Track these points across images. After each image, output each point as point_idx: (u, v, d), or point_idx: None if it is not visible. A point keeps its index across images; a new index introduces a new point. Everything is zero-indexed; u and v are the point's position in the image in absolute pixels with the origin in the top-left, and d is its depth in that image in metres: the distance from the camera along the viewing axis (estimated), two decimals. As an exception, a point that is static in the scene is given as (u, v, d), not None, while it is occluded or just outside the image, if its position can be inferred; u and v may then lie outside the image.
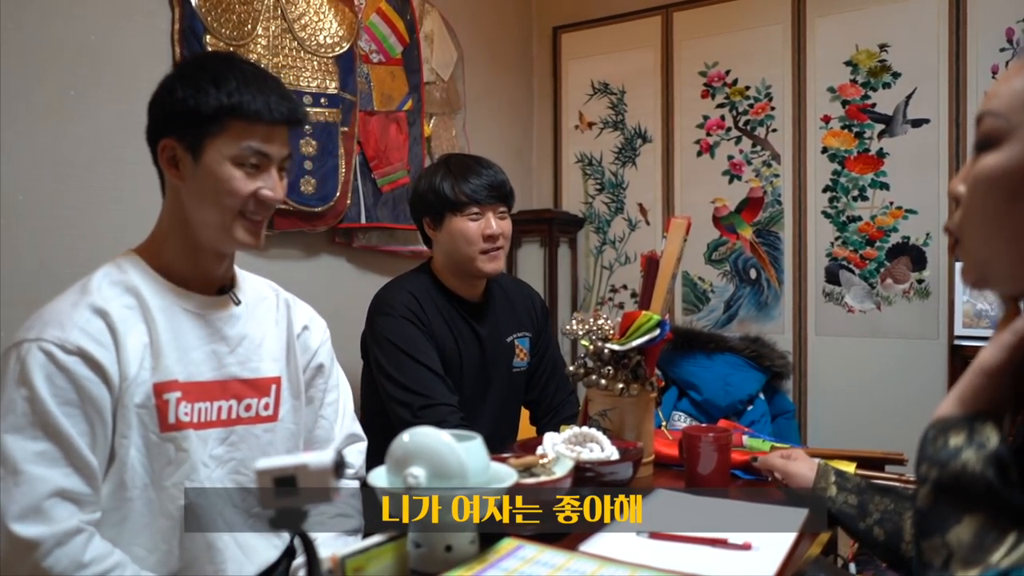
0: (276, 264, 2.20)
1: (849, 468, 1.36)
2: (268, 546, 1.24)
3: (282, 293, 1.37)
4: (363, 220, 2.38)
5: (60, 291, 1.18)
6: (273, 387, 1.26)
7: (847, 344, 2.82)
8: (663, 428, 1.50)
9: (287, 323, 1.33)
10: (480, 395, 1.83)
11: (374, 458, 1.46)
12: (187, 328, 1.17)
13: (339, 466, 0.80)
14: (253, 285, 1.33)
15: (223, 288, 1.25)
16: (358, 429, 1.42)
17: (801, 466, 1.26)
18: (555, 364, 1.98)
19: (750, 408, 2.65)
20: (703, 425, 1.52)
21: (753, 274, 2.99)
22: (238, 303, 1.25)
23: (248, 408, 1.22)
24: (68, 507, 1.03)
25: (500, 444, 1.83)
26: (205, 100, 1.11)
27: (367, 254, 2.48)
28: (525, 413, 2.04)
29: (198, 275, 1.21)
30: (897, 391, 2.69)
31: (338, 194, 2.26)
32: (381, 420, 1.75)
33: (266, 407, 1.24)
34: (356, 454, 1.37)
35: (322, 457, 0.80)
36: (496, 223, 1.80)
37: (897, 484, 1.28)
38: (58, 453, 1.03)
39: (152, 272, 1.18)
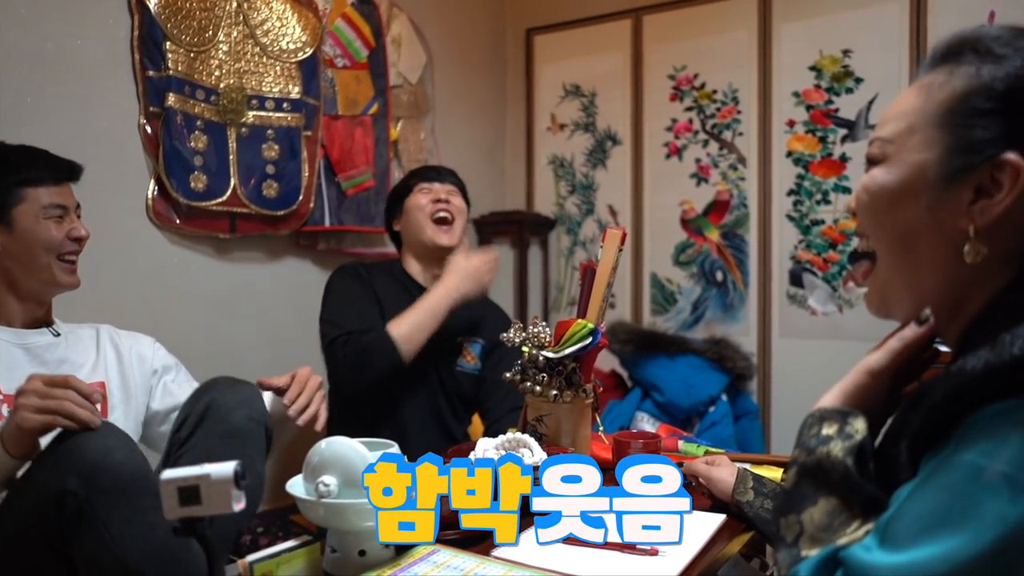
0: (239, 267, 2.23)
1: (776, 473, 1.40)
2: None
3: (104, 328, 1.56)
4: (327, 223, 2.41)
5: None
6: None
7: (810, 346, 2.85)
8: (600, 433, 1.54)
9: (112, 344, 1.52)
10: (417, 380, 1.91)
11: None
12: (9, 355, 1.36)
13: (239, 476, 0.84)
14: (73, 327, 1.52)
15: (41, 325, 1.46)
16: None
17: (723, 472, 1.30)
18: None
19: (712, 409, 2.68)
20: (634, 431, 1.56)
21: (719, 276, 3.03)
22: (57, 335, 1.45)
23: None
24: None
25: (440, 436, 1.91)
26: (3, 180, 1.37)
27: (333, 256, 2.51)
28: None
29: (23, 318, 1.42)
30: (857, 393, 2.72)
31: (301, 197, 2.28)
32: (349, 410, 1.85)
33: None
34: None
35: (223, 468, 0.84)
36: (443, 191, 2.02)
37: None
38: None
39: None
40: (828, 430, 0.75)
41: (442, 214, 1.98)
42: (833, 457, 0.72)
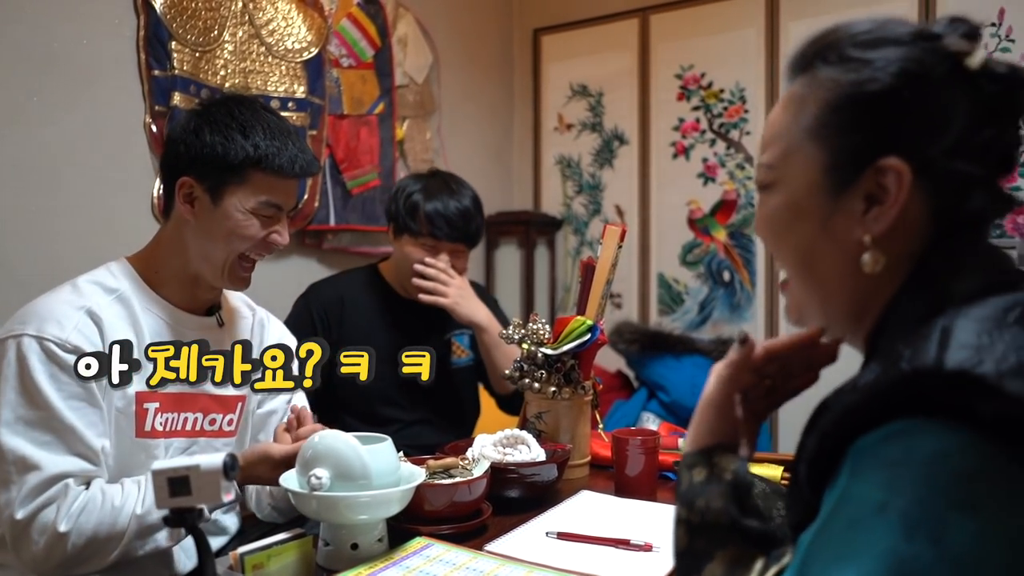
0: (244, 265, 2.24)
1: (775, 472, 1.39)
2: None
3: (258, 312, 1.44)
4: (332, 222, 2.42)
5: (22, 292, 1.26)
6: (239, 405, 1.32)
7: (818, 346, 2.83)
8: (599, 431, 1.53)
9: (260, 343, 1.39)
10: (408, 389, 1.88)
11: None
12: (162, 338, 1.23)
13: (229, 468, 0.84)
14: (234, 305, 1.39)
15: (211, 308, 1.32)
16: None
17: (719, 469, 1.29)
18: None
19: (718, 409, 2.66)
20: (633, 428, 1.56)
21: (727, 276, 3.01)
22: (221, 324, 1.32)
23: (212, 423, 1.28)
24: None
25: (448, 437, 1.89)
26: (232, 149, 1.18)
27: (338, 255, 2.51)
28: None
29: (191, 300, 1.28)
30: (865, 393, 2.70)
31: (306, 196, 2.29)
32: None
33: (229, 423, 1.31)
34: None
35: (213, 459, 0.84)
36: (445, 257, 1.87)
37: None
38: (62, 444, 1.07)
39: (145, 287, 1.24)
40: (698, 476, 0.74)
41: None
42: (715, 509, 0.70)
